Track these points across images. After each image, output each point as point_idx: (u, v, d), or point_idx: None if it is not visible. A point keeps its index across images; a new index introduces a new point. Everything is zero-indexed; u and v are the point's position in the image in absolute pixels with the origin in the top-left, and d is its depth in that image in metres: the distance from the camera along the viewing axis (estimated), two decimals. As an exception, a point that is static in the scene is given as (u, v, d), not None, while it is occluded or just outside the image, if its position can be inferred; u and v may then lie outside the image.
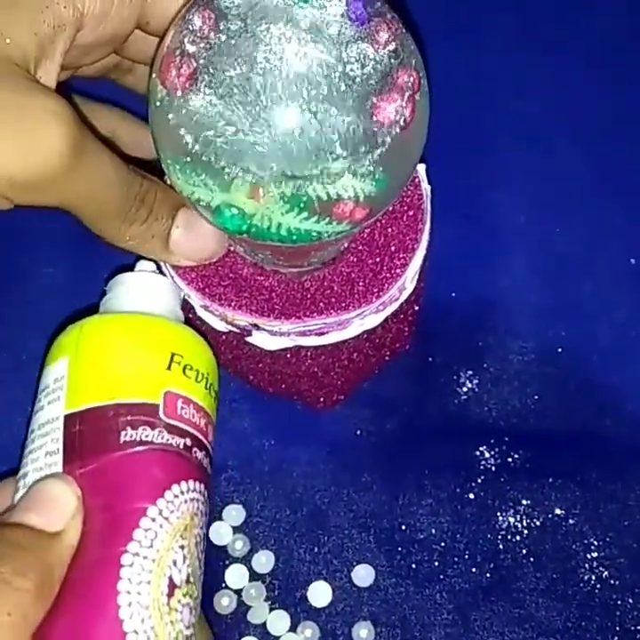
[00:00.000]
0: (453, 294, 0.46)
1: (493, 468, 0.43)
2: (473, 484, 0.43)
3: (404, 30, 0.29)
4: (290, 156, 0.28)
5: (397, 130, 0.29)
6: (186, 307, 0.39)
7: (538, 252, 0.47)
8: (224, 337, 0.39)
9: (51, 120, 0.29)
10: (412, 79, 0.29)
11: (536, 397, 0.44)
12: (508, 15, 0.51)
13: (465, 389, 0.45)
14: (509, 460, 0.43)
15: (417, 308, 0.42)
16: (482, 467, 0.43)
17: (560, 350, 0.45)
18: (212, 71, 0.28)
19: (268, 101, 0.28)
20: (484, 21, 0.51)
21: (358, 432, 0.44)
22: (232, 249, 0.37)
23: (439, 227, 0.39)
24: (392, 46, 0.28)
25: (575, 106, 0.49)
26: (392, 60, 0.28)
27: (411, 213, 0.38)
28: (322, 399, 0.43)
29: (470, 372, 0.45)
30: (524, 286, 0.46)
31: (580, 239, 0.47)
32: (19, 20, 0.30)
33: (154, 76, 0.30)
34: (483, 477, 0.43)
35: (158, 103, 0.30)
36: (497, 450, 0.43)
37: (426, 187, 0.38)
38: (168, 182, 0.37)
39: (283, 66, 0.27)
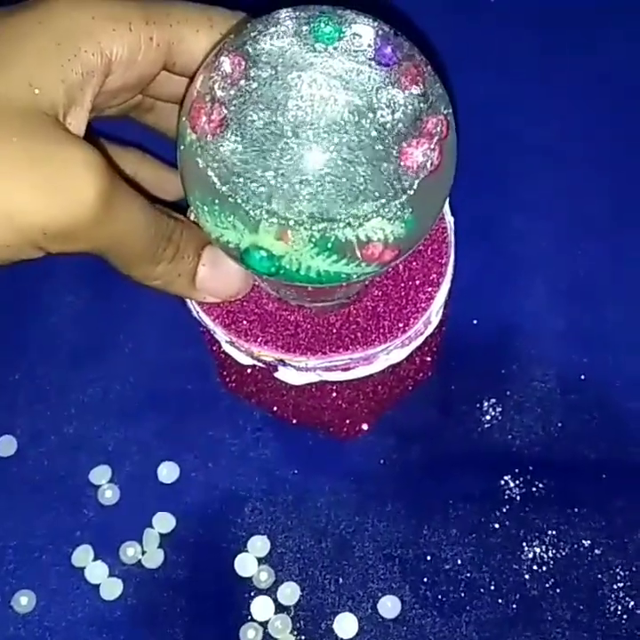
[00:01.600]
0: (475, 322, 0.46)
1: (518, 498, 0.43)
2: (498, 514, 0.43)
3: (432, 73, 0.29)
4: (319, 200, 0.28)
5: (426, 173, 0.29)
6: (211, 341, 0.39)
7: (559, 279, 0.47)
8: (249, 371, 0.39)
9: (82, 170, 0.29)
10: (440, 124, 0.29)
11: (560, 425, 0.44)
12: (529, 39, 0.51)
13: (488, 417, 0.45)
14: (534, 489, 0.43)
15: (440, 338, 0.42)
16: (506, 496, 0.43)
17: (583, 377, 0.45)
18: (242, 117, 0.28)
19: (298, 147, 0.28)
20: (505, 46, 0.51)
21: (382, 461, 0.44)
22: (257, 284, 0.37)
23: (460, 253, 0.39)
24: (421, 91, 0.29)
25: (597, 131, 0.49)
26: (421, 105, 0.28)
27: (435, 246, 0.38)
28: (345, 429, 0.43)
29: (493, 400, 0.45)
30: (545, 313, 0.46)
31: (602, 265, 0.47)
32: (47, 70, 0.30)
33: (183, 119, 0.30)
34: (507, 507, 0.43)
35: (187, 147, 0.30)
36: (521, 479, 0.43)
37: (449, 219, 0.38)
38: (192, 218, 0.37)
39: (313, 112, 0.28)
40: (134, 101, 0.36)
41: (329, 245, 0.29)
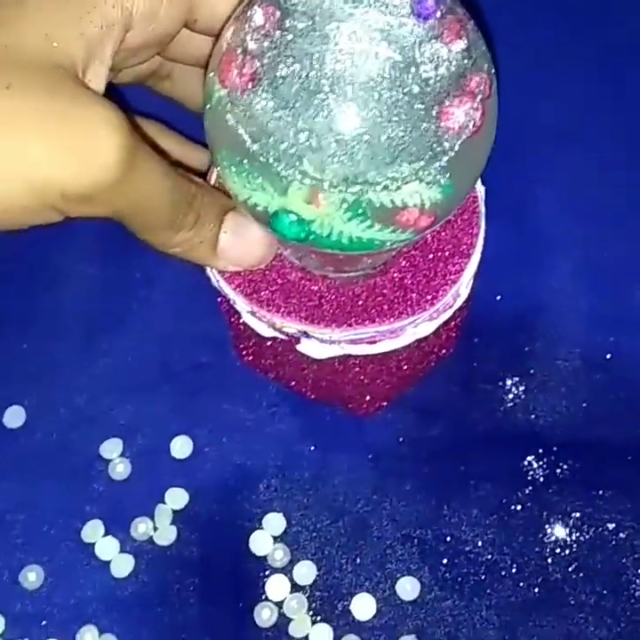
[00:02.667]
0: (499, 298, 0.45)
1: (541, 479, 0.42)
2: (520, 495, 0.41)
3: (476, 29, 0.28)
4: (354, 161, 0.27)
5: (467, 135, 0.27)
6: (230, 311, 0.38)
7: (586, 255, 0.45)
8: (270, 343, 0.38)
9: (104, 130, 0.27)
10: (483, 82, 0.27)
11: (584, 405, 0.43)
12: (552, 15, 0.50)
13: (511, 396, 0.43)
14: (558, 470, 0.42)
15: (466, 312, 0.40)
16: (529, 477, 0.42)
17: (609, 356, 0.44)
18: (276, 71, 0.27)
19: (334, 104, 0.26)
20: (527, 21, 0.50)
21: (401, 439, 0.43)
22: (279, 252, 0.36)
23: (486, 227, 0.38)
24: (465, 46, 0.27)
25: (622, 108, 0.48)
26: (465, 62, 0.27)
27: (465, 216, 0.36)
28: (365, 405, 0.42)
29: (516, 379, 0.44)
30: (571, 290, 0.45)
31: (631, 243, 0.46)
32: (65, 22, 0.28)
33: (211, 74, 0.29)
34: (530, 488, 0.42)
35: (216, 103, 0.28)
36: (545, 460, 0.42)
37: (480, 188, 0.37)
38: (213, 183, 0.36)
39: (353, 66, 0.26)
40: (152, 66, 0.35)
41: (362, 210, 0.28)
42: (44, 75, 0.27)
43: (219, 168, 0.30)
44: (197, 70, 0.33)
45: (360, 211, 0.28)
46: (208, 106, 0.29)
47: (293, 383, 0.42)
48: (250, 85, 0.27)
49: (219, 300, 0.39)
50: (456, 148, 0.27)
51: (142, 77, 0.36)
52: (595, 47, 0.49)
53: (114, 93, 0.33)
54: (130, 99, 0.36)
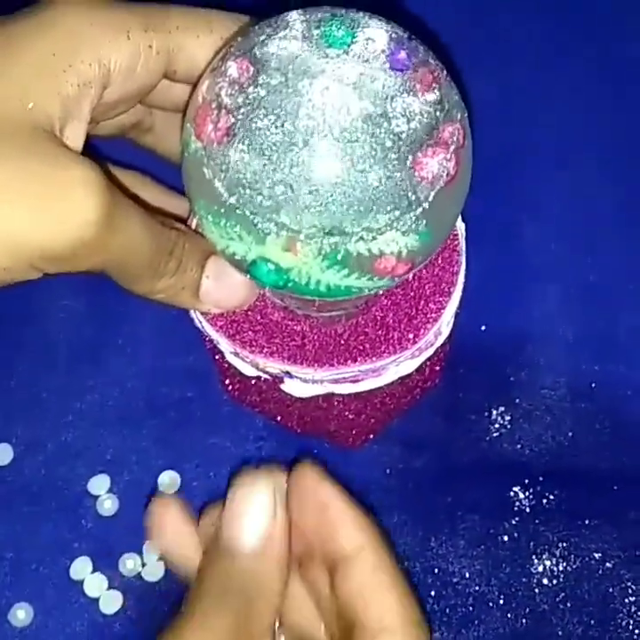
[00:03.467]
0: (483, 328, 0.45)
1: (528, 509, 0.42)
2: (507, 526, 0.42)
3: (448, 78, 0.28)
4: (330, 212, 0.27)
5: (442, 184, 0.28)
6: (214, 350, 0.38)
7: (570, 285, 0.46)
8: (253, 381, 0.38)
9: (81, 189, 0.27)
10: (457, 132, 0.28)
11: (570, 434, 0.43)
12: (542, 39, 0.50)
13: (496, 426, 0.44)
14: (544, 500, 0.42)
15: (449, 346, 0.40)
16: (516, 507, 0.42)
17: (593, 385, 0.44)
18: (250, 126, 0.27)
19: (309, 157, 0.27)
20: (514, 48, 0.50)
21: (388, 471, 0.43)
22: (262, 293, 0.36)
23: (468, 257, 0.38)
24: (437, 98, 0.27)
25: (611, 136, 0.48)
26: (437, 113, 0.27)
27: (446, 254, 0.37)
28: (351, 439, 0.42)
29: (502, 408, 0.44)
30: (555, 319, 0.45)
31: (613, 270, 0.46)
32: (41, 81, 0.28)
33: (188, 125, 0.29)
34: (517, 519, 0.42)
35: (192, 154, 0.28)
36: (531, 490, 0.42)
37: (460, 226, 0.37)
38: (194, 226, 0.36)
39: (325, 122, 0.26)
40: (133, 119, 0.35)
41: (339, 259, 0.28)
42: (20, 135, 0.27)
43: (197, 217, 0.30)
44: (179, 124, 0.34)
45: (337, 260, 0.28)
46: (185, 154, 0.29)
47: (279, 418, 0.42)
48: (225, 140, 0.27)
49: (204, 338, 0.39)
50: (431, 197, 0.27)
51: (124, 129, 0.36)
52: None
53: (96, 146, 0.34)
54: (112, 151, 0.37)
